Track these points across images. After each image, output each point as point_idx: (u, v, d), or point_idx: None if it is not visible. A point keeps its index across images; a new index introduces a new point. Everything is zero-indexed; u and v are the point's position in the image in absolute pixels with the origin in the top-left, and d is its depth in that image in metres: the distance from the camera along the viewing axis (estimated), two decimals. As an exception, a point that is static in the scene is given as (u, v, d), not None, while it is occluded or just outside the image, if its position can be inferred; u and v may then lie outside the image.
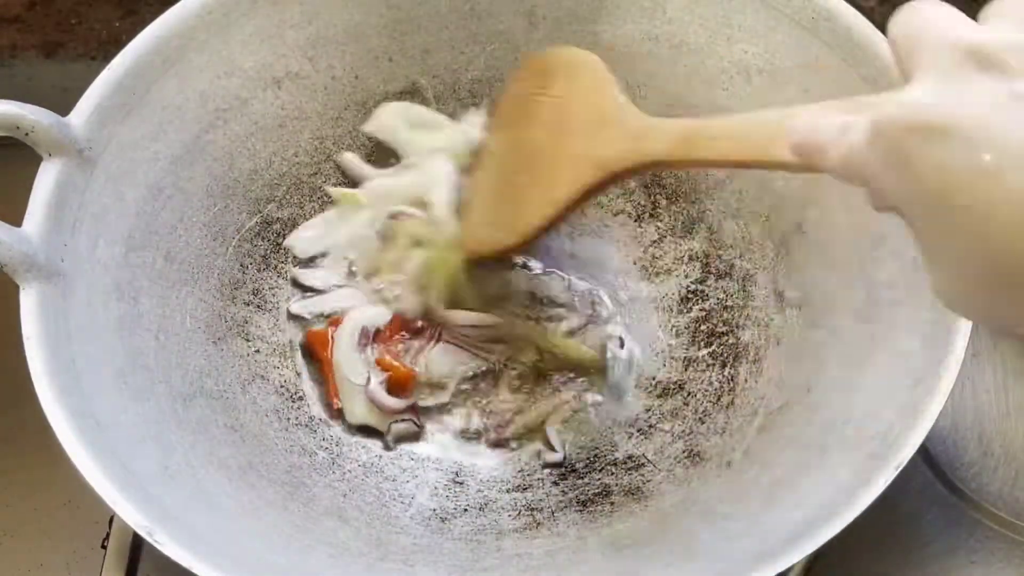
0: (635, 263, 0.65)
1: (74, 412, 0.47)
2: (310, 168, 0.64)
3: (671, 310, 0.63)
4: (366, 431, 0.60)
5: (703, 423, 0.59)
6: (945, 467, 0.63)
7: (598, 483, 0.58)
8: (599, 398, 0.61)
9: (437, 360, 0.60)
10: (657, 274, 0.64)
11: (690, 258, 0.64)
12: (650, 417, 0.60)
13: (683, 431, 0.59)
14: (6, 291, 0.49)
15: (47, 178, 0.52)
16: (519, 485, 0.59)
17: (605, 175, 0.50)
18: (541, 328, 0.61)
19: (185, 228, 0.58)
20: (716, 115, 0.46)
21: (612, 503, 0.57)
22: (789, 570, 0.45)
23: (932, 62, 0.33)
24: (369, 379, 0.59)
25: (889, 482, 0.46)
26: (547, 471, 0.59)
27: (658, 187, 0.65)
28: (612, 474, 0.58)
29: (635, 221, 0.66)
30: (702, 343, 0.62)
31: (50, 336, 0.49)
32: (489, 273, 0.61)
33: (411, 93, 0.64)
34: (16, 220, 0.50)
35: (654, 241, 0.65)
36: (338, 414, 0.60)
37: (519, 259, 0.62)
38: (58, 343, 0.49)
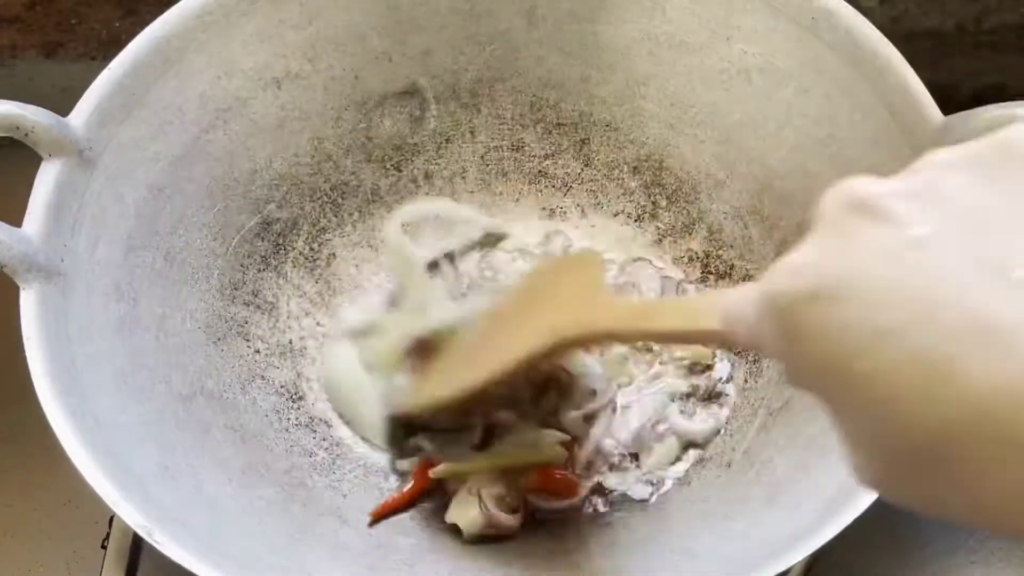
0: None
1: (74, 412, 0.47)
2: (310, 168, 0.64)
3: (671, 310, 0.63)
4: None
5: (703, 423, 0.59)
6: (945, 467, 0.63)
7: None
8: None
9: None
10: (657, 274, 0.64)
11: (690, 258, 0.64)
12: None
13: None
14: (6, 291, 0.49)
15: (47, 178, 0.51)
16: (519, 485, 0.59)
17: (556, 341, 0.48)
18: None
19: (185, 228, 0.58)
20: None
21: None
22: (789, 570, 0.45)
23: (824, 221, 0.30)
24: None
25: (889, 482, 0.46)
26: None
27: (658, 187, 0.65)
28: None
29: (635, 221, 0.66)
30: (702, 343, 0.62)
31: (50, 336, 0.49)
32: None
33: (411, 93, 0.64)
34: (16, 220, 0.50)
35: (654, 241, 0.65)
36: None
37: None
38: (58, 343, 0.49)
